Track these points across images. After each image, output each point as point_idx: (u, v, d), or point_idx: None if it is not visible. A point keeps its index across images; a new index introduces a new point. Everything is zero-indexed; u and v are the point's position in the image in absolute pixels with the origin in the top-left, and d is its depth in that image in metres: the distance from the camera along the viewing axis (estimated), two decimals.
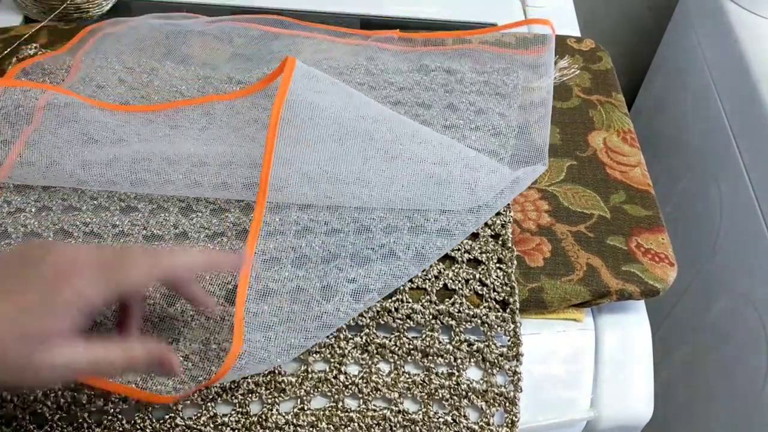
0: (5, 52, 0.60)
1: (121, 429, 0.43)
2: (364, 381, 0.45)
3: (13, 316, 0.33)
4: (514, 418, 0.45)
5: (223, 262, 0.41)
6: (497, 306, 0.46)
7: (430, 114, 0.56)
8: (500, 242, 0.48)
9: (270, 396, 0.44)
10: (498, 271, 0.47)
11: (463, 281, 0.46)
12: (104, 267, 0.35)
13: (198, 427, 0.43)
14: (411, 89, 0.59)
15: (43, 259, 0.34)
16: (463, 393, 0.45)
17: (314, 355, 0.45)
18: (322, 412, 0.44)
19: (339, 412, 0.44)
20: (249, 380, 0.44)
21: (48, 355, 0.33)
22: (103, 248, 0.36)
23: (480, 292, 0.46)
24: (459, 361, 0.45)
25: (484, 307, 0.46)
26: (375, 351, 0.45)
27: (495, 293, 0.46)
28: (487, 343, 0.45)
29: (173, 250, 0.41)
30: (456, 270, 0.47)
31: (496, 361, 0.45)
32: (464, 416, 0.45)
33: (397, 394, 0.45)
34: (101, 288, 0.34)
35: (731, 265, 0.79)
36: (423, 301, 0.46)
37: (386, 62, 0.61)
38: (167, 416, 0.43)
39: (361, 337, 0.45)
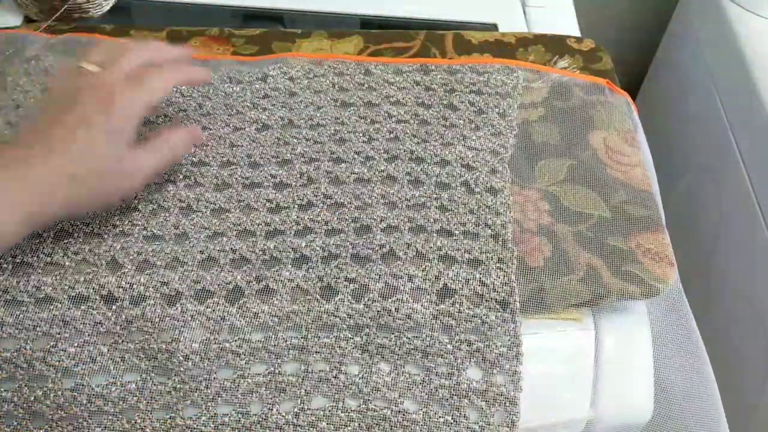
0: (8, 52, 0.60)
1: (121, 429, 0.43)
2: (364, 381, 0.45)
3: (98, 140, 0.40)
4: (514, 418, 0.45)
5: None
6: (497, 306, 0.46)
7: (430, 114, 0.56)
8: (500, 242, 0.48)
9: (270, 396, 0.44)
10: (498, 271, 0.47)
11: (463, 281, 0.46)
12: (131, 85, 0.42)
13: (198, 427, 0.43)
14: (411, 89, 0.59)
15: (84, 95, 0.41)
16: (463, 393, 0.45)
17: (314, 355, 0.45)
18: (322, 412, 0.44)
19: (339, 412, 0.44)
20: (249, 380, 0.44)
21: (131, 163, 0.41)
22: (114, 73, 0.43)
23: (480, 292, 0.46)
24: (459, 361, 0.45)
25: (484, 307, 0.46)
26: (375, 351, 0.45)
27: (495, 293, 0.46)
28: (487, 343, 0.45)
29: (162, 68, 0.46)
30: (456, 270, 0.47)
31: (496, 361, 0.45)
32: (464, 416, 0.45)
33: (397, 394, 0.45)
34: (138, 100, 0.42)
35: (731, 265, 0.79)
36: (423, 301, 0.46)
37: (386, 62, 0.61)
38: (167, 416, 0.43)
39: (361, 337, 0.45)
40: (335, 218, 0.48)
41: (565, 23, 0.73)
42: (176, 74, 0.45)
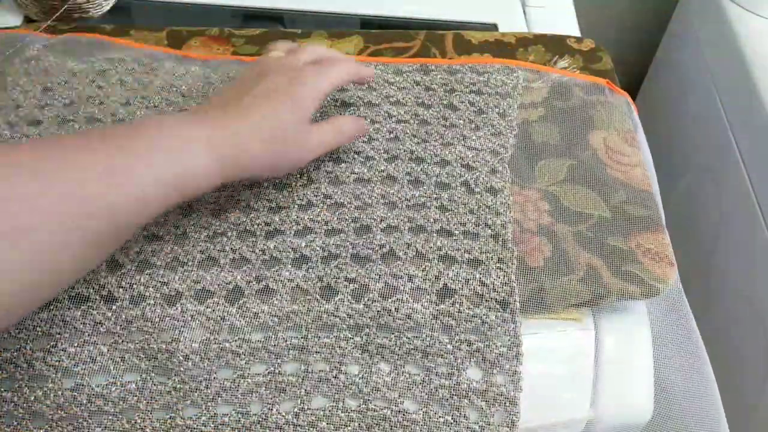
0: (8, 52, 0.60)
1: (121, 429, 0.43)
2: (364, 381, 0.45)
3: (283, 110, 0.43)
4: (514, 417, 0.45)
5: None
6: (497, 306, 0.46)
7: (430, 114, 0.56)
8: (500, 242, 0.48)
9: (270, 396, 0.44)
10: (498, 271, 0.47)
11: (463, 281, 0.46)
12: (315, 69, 0.46)
13: (198, 427, 0.43)
14: (411, 89, 0.59)
15: (273, 73, 0.46)
16: (463, 393, 0.45)
17: (314, 355, 0.45)
18: (322, 412, 0.44)
19: (339, 412, 0.44)
20: (249, 380, 0.44)
21: (307, 136, 0.45)
22: (304, 59, 0.49)
23: (480, 292, 0.46)
24: (459, 361, 0.45)
25: (484, 307, 0.46)
26: (375, 351, 0.45)
27: (495, 293, 0.46)
28: (487, 343, 0.45)
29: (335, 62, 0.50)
30: (456, 270, 0.47)
31: (496, 361, 0.45)
32: (464, 416, 0.45)
33: (397, 394, 0.45)
34: (321, 83, 0.46)
35: (731, 265, 0.79)
36: (423, 301, 0.46)
37: (386, 62, 0.61)
38: (167, 416, 0.43)
39: (361, 337, 0.45)
40: (335, 218, 0.48)
41: (565, 23, 0.73)
42: (351, 67, 0.49)
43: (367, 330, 0.45)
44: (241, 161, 0.42)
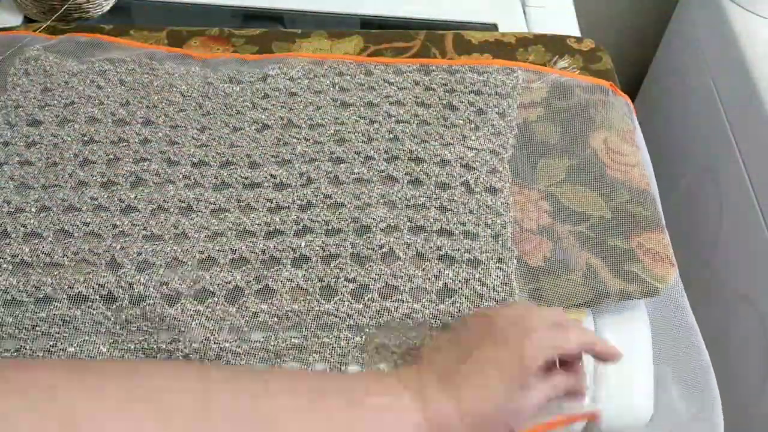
0: (7, 52, 0.60)
1: None
2: None
3: (501, 370, 0.40)
4: None
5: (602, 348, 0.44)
6: (497, 306, 0.46)
7: (430, 114, 0.56)
8: (500, 242, 0.48)
9: None
10: (498, 271, 0.47)
11: (463, 281, 0.46)
12: (551, 330, 0.41)
13: None
14: (411, 89, 0.59)
15: (512, 324, 0.41)
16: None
17: (314, 355, 0.45)
18: None
19: None
20: None
21: (526, 400, 0.40)
22: (544, 316, 0.43)
23: (480, 292, 0.46)
24: None
25: (484, 306, 0.46)
26: (375, 351, 0.45)
27: (495, 293, 0.46)
28: None
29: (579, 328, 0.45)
30: (456, 270, 0.47)
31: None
32: None
33: None
34: (550, 347, 0.41)
35: (731, 265, 0.79)
36: (423, 300, 0.46)
37: (386, 62, 0.61)
38: None
39: (361, 337, 0.45)
40: (335, 218, 0.48)
41: (565, 23, 0.73)
42: (594, 340, 0.43)
43: (367, 330, 0.45)
44: None
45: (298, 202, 0.50)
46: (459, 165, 0.52)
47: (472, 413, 0.39)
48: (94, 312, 0.44)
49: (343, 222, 0.48)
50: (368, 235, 0.48)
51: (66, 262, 0.45)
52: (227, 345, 0.44)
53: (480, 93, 0.58)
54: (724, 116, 0.81)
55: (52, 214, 0.48)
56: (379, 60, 0.62)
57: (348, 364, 0.45)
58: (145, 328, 0.44)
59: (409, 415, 0.39)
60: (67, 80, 0.57)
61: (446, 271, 0.46)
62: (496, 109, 0.57)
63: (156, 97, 0.56)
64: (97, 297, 0.44)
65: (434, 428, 0.39)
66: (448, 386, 0.40)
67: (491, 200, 0.50)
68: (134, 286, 0.44)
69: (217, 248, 0.47)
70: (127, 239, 0.47)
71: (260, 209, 0.49)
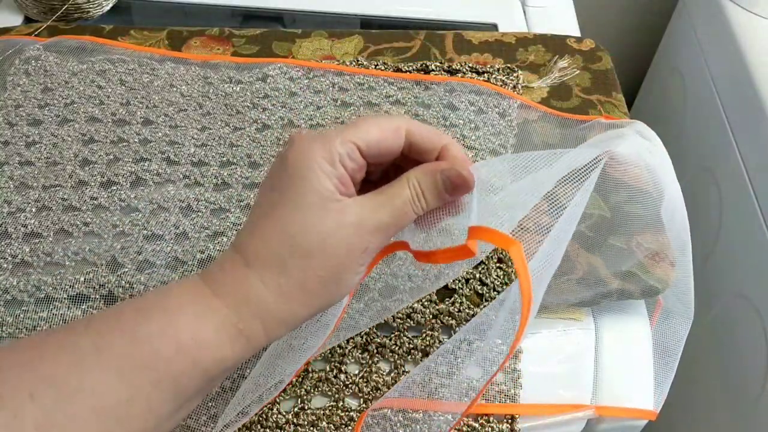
0: (8, 52, 0.60)
1: None
2: (365, 380, 0.45)
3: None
4: (514, 415, 0.45)
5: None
6: (497, 305, 0.46)
7: (430, 114, 0.56)
8: None
9: (271, 396, 0.44)
10: (498, 270, 0.47)
11: (463, 281, 0.46)
12: (341, 131, 0.35)
13: (198, 427, 0.43)
14: (411, 89, 0.59)
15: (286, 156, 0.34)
16: (463, 392, 0.45)
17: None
18: (322, 412, 0.44)
19: (339, 411, 0.44)
20: (249, 380, 0.44)
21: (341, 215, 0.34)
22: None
23: (480, 292, 0.46)
24: (459, 360, 0.45)
25: (484, 306, 0.46)
26: (375, 350, 0.45)
27: (495, 293, 0.46)
28: (487, 342, 0.45)
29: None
30: (456, 270, 0.46)
31: (496, 360, 0.45)
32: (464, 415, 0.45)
33: (397, 394, 0.45)
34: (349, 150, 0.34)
35: (731, 265, 0.79)
36: (423, 300, 0.46)
37: (386, 61, 0.61)
38: None
39: (361, 337, 0.45)
40: None
41: (565, 23, 0.73)
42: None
43: (367, 330, 0.45)
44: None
45: None
46: None
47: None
48: (95, 312, 0.44)
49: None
50: None
51: (66, 262, 0.46)
52: None
53: (480, 93, 0.58)
54: (724, 116, 0.81)
55: (52, 213, 0.48)
56: (378, 60, 0.62)
57: (348, 364, 0.45)
58: None
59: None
60: (68, 80, 0.57)
61: (446, 271, 0.46)
62: (497, 109, 0.57)
63: (156, 97, 0.56)
64: (98, 297, 0.44)
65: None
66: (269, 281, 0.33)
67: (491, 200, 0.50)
68: (134, 286, 0.44)
69: (218, 248, 0.47)
70: (127, 239, 0.47)
71: None
